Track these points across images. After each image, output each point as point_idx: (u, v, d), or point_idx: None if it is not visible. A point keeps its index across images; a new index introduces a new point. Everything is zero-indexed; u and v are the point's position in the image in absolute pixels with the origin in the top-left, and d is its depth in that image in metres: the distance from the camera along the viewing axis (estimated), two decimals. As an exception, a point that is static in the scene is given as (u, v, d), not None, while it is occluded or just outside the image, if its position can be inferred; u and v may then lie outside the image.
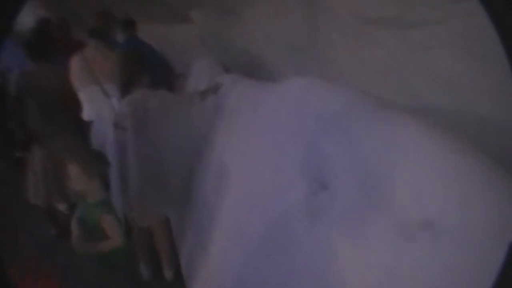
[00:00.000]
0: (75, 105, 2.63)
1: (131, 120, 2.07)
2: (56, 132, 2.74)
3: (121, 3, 3.97)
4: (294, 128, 1.52)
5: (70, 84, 2.53)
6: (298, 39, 2.91)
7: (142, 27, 3.90)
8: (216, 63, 3.17)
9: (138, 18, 3.86)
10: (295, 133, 1.50)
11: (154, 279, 2.51)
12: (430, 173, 1.01)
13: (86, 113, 2.47)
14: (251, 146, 1.86)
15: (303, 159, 1.43)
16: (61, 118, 2.73)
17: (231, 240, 1.83)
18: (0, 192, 3.12)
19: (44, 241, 3.06)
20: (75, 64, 2.47)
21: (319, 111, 1.44)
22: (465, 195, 0.92)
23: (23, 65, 2.81)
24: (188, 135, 2.37)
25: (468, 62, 1.50)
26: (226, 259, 1.83)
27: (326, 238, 1.21)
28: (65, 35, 3.51)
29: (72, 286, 2.17)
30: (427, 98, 1.89)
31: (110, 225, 1.81)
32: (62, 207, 3.12)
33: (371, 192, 1.08)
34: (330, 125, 1.41)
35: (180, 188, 2.35)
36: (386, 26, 2.06)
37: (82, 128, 2.59)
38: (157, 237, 2.38)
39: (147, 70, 2.18)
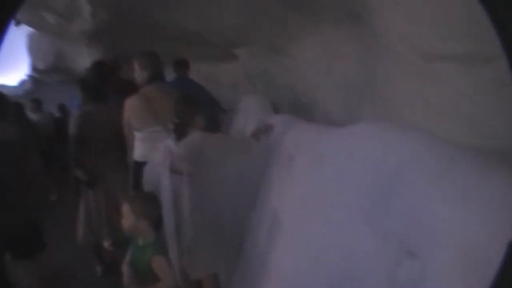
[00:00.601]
0: (128, 144, 2.67)
1: (187, 164, 2.05)
2: (110, 170, 2.79)
3: (167, 42, 4.10)
4: (365, 179, 1.39)
5: (124, 123, 2.55)
6: (350, 77, 2.82)
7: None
8: (265, 102, 3.13)
9: (183, 56, 3.96)
10: (367, 185, 1.36)
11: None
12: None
13: (140, 154, 2.45)
14: (311, 194, 1.74)
15: (380, 215, 1.29)
16: (116, 156, 2.78)
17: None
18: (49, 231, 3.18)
19: (89, 280, 3.05)
20: (133, 104, 2.46)
21: (393, 161, 1.31)
22: None
23: (81, 106, 2.94)
24: (242, 179, 2.30)
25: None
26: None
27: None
28: (117, 76, 3.64)
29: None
30: (506, 137, 1.73)
31: (161, 266, 1.78)
32: (106, 243, 3.12)
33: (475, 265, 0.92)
34: (406, 178, 1.27)
35: (233, 236, 2.27)
36: (453, 62, 1.94)
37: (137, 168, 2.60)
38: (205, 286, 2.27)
39: (201, 111, 2.18)
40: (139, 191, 2.24)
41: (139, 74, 2.54)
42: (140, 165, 2.38)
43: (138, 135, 2.46)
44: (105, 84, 3.04)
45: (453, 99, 1.97)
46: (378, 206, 1.30)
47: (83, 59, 5.37)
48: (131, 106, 2.45)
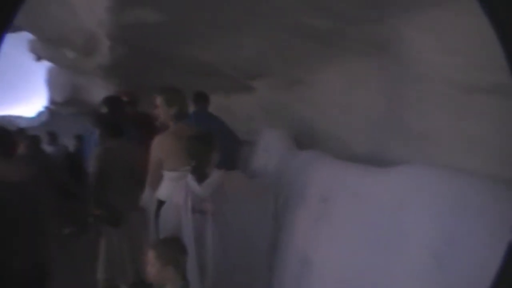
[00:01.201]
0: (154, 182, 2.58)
1: (210, 204, 2.02)
2: (132, 209, 2.69)
3: (182, 74, 4.08)
4: (427, 231, 1.25)
5: (146, 160, 2.46)
6: (375, 110, 2.70)
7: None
8: (287, 136, 3.02)
9: (197, 88, 3.91)
10: (431, 238, 1.23)
11: None
12: None
13: (167, 193, 2.33)
14: (353, 239, 1.61)
15: (427, 264, 1.16)
16: (136, 194, 2.68)
17: None
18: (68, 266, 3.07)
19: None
20: (164, 142, 2.36)
21: (457, 211, 1.18)
22: None
23: (99, 142, 2.88)
24: (263, 218, 2.23)
25: None
26: None
27: None
28: (135, 110, 3.60)
29: None
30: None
31: None
32: (123, 286, 2.97)
33: None
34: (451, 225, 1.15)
35: (258, 277, 2.20)
36: (491, 93, 1.82)
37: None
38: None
39: (217, 148, 2.13)
40: (164, 237, 2.14)
41: (164, 110, 2.44)
42: (160, 204, 2.29)
43: (168, 174, 2.33)
44: (122, 120, 2.98)
45: (490, 132, 1.86)
46: (442, 262, 1.16)
47: (99, 92, 5.41)
48: (161, 144, 2.34)
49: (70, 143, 7.11)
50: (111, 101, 3.27)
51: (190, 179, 2.07)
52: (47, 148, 5.98)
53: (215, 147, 2.13)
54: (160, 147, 2.33)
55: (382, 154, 2.55)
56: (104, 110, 3.11)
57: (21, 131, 6.04)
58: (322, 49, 2.88)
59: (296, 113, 3.75)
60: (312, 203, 2.00)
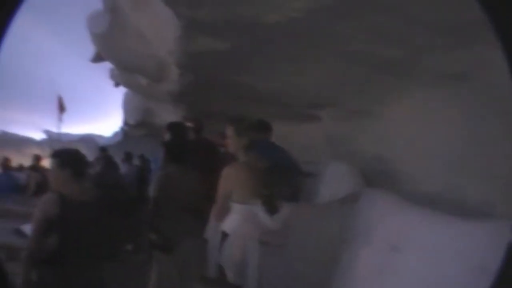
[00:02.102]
0: (208, 210, 2.54)
1: (279, 236, 2.03)
2: (187, 236, 2.68)
3: (245, 102, 4.08)
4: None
5: (207, 188, 2.44)
6: (452, 145, 2.44)
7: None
8: (355, 172, 2.85)
9: (260, 116, 3.88)
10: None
11: None
12: None
13: (234, 226, 2.28)
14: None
15: None
16: (194, 222, 2.66)
17: None
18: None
19: None
20: (235, 174, 2.33)
21: None
22: None
23: (162, 167, 2.93)
24: (324, 250, 2.22)
25: None
26: None
27: None
28: (199, 137, 3.65)
29: None
30: None
31: None
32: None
33: None
34: None
35: None
36: None
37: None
38: None
39: (289, 181, 2.07)
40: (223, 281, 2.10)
41: (235, 141, 2.41)
42: (224, 235, 2.25)
43: (236, 207, 2.28)
44: (185, 146, 3.01)
45: None
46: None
47: (168, 117, 5.64)
48: (232, 176, 2.30)
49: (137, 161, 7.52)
50: (174, 127, 3.33)
51: (261, 211, 2.04)
52: (122, 166, 6.37)
53: (287, 180, 2.11)
54: (231, 178, 2.28)
55: (458, 197, 2.27)
56: (168, 135, 3.18)
57: (102, 150, 6.52)
58: (391, 79, 2.72)
59: (363, 146, 3.55)
60: (379, 250, 1.81)
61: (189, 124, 3.73)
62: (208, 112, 4.70)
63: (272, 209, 2.06)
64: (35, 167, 6.95)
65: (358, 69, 2.72)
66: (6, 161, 6.70)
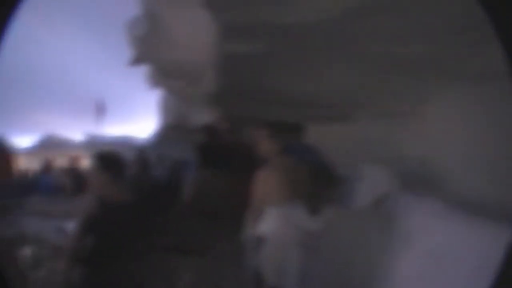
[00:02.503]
0: (243, 214, 2.55)
1: (319, 239, 2.07)
2: (221, 241, 2.68)
3: (279, 104, 4.04)
4: None
5: (242, 192, 2.44)
6: (504, 148, 2.31)
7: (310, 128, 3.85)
8: (392, 175, 2.77)
9: (294, 119, 3.84)
10: None
11: None
12: None
13: (264, 229, 2.29)
14: None
15: None
16: (228, 228, 2.67)
17: None
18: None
19: None
20: (268, 177, 2.34)
21: None
22: None
23: (196, 171, 2.93)
24: (366, 252, 2.22)
25: None
26: None
27: None
28: (233, 139, 3.65)
29: None
30: None
31: None
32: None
33: None
34: None
35: None
36: None
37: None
38: None
39: (335, 184, 2.05)
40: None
41: (268, 143, 2.41)
42: (259, 240, 2.23)
43: (271, 210, 2.28)
44: (218, 149, 3.02)
45: None
46: None
47: (203, 119, 5.70)
48: (268, 178, 2.31)
49: (173, 166, 7.61)
50: (208, 129, 3.35)
51: (302, 212, 2.03)
52: (155, 169, 6.45)
53: (333, 182, 2.10)
54: (266, 181, 2.29)
55: (503, 202, 2.16)
56: (202, 138, 3.20)
57: (137, 152, 6.66)
58: (429, 77, 2.61)
59: (402, 148, 3.43)
60: (419, 256, 1.75)
61: (223, 126, 3.73)
62: (243, 114, 4.72)
63: (314, 210, 2.05)
64: (72, 168, 7.22)
65: (393, 68, 2.64)
66: (49, 162, 7.01)
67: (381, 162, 3.44)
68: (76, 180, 6.93)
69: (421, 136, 3.10)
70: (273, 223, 2.31)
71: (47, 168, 6.79)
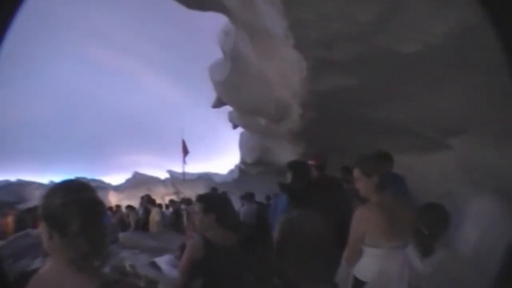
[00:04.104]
0: (336, 254, 2.38)
1: (428, 283, 1.84)
2: (314, 282, 2.53)
3: (372, 135, 3.86)
4: None
5: (354, 235, 2.28)
6: None
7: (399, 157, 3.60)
8: (502, 203, 2.43)
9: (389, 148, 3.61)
10: None
11: None
12: None
13: (366, 272, 2.11)
14: None
15: None
16: (321, 268, 2.51)
17: None
18: None
19: None
20: (369, 216, 2.16)
21: None
22: None
23: (287, 210, 2.81)
24: None
25: None
26: None
27: None
28: (323, 174, 3.50)
29: None
30: None
31: None
32: None
33: None
34: None
35: None
36: None
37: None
38: None
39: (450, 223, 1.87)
40: None
41: (364, 182, 2.25)
42: (360, 284, 2.04)
43: (370, 250, 2.11)
44: (308, 186, 2.87)
45: None
46: None
47: (286, 154, 5.70)
48: (366, 218, 2.15)
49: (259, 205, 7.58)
50: (296, 165, 3.16)
51: (412, 253, 1.86)
52: (241, 207, 6.52)
53: (448, 221, 1.92)
54: (364, 220, 2.12)
55: None
56: (290, 175, 3.06)
57: (212, 189, 6.72)
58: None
59: (506, 173, 3.01)
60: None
61: (311, 161, 3.62)
62: (328, 147, 4.61)
63: (426, 251, 1.87)
64: (159, 205, 7.71)
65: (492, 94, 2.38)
66: (148, 197, 7.53)
67: (482, 189, 3.07)
68: (135, 216, 7.29)
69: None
70: (375, 265, 2.12)
71: (141, 205, 7.27)
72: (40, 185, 18.61)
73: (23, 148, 22.79)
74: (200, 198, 2.27)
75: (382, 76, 2.38)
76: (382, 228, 2.05)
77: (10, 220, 6.51)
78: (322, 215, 2.59)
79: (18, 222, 6.18)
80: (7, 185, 18.64)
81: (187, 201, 8.19)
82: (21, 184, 18.96)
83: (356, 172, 2.22)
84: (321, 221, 2.54)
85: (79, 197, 1.00)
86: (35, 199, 16.17)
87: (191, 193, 11.70)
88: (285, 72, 2.83)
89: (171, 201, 9.91)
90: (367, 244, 2.09)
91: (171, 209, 8.86)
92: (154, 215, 6.86)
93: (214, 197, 2.35)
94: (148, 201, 7.51)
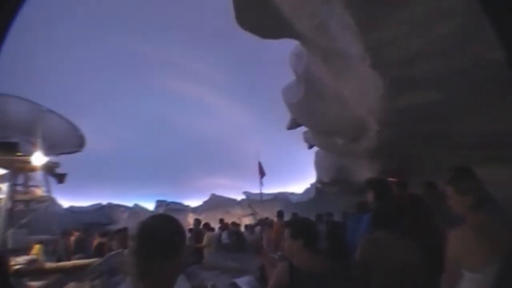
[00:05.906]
0: (426, 281, 2.23)
1: None
2: None
3: (455, 150, 3.60)
4: None
5: (449, 260, 2.13)
6: None
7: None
8: None
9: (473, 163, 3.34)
10: None
11: None
12: None
13: None
14: None
15: None
16: None
17: None
18: None
19: None
20: (462, 238, 2.00)
21: None
22: None
23: (369, 230, 2.70)
24: None
25: None
26: None
27: None
28: (404, 192, 3.35)
29: None
30: None
31: None
32: None
33: None
34: None
35: None
36: None
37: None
38: None
39: None
40: None
41: (458, 201, 2.11)
42: None
43: (468, 275, 1.94)
44: (389, 205, 2.72)
45: None
46: None
47: (363, 173, 5.56)
48: (460, 240, 1.99)
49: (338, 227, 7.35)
50: (378, 184, 3.02)
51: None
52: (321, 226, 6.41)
53: None
54: (458, 243, 1.96)
55: None
56: (371, 195, 2.94)
57: (278, 214, 6.64)
58: None
59: None
60: None
61: (392, 179, 3.47)
62: (406, 164, 4.42)
63: None
64: (236, 226, 7.89)
65: None
66: (224, 223, 7.80)
67: None
68: (239, 238, 7.44)
69: None
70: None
71: (222, 227, 7.57)
72: (126, 208, 20.27)
73: (113, 174, 25.14)
74: (288, 223, 2.27)
75: (464, 88, 2.27)
76: (477, 252, 1.89)
77: (72, 240, 6.93)
78: (409, 239, 2.44)
79: (78, 243, 6.48)
80: (100, 208, 20.31)
81: (263, 222, 8.27)
82: (111, 207, 20.58)
83: (450, 190, 2.09)
84: (408, 245, 2.39)
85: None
86: (122, 221, 17.67)
87: (269, 214, 11.84)
88: (361, 90, 2.82)
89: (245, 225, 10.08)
90: (465, 269, 1.94)
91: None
92: (204, 239, 6.95)
93: (301, 221, 2.32)
94: (198, 224, 7.68)
